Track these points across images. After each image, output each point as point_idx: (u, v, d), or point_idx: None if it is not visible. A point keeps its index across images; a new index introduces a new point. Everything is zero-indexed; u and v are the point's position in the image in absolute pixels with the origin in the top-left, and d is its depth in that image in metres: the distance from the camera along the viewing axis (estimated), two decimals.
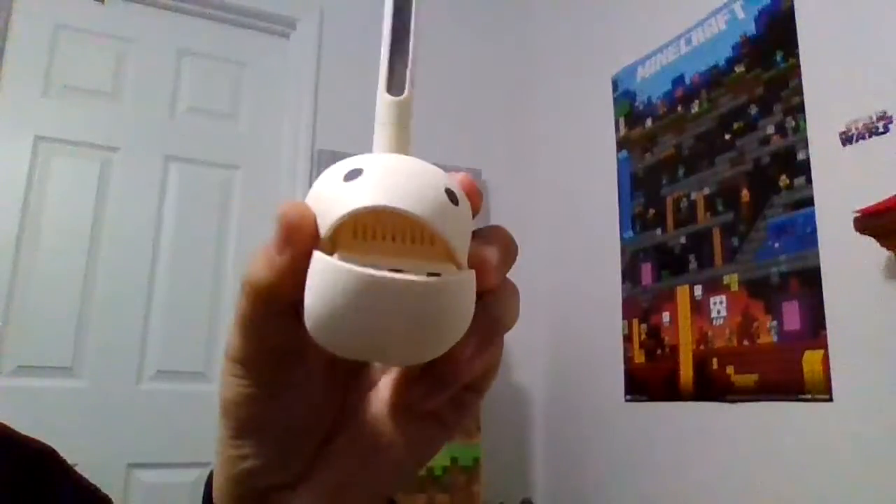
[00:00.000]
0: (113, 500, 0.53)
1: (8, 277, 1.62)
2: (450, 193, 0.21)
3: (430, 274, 0.20)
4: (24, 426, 0.52)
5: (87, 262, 1.71)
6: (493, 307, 0.24)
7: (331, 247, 0.21)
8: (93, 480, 0.53)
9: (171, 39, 1.91)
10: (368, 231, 0.21)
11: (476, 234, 0.23)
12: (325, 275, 0.20)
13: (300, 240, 0.21)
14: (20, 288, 1.63)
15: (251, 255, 0.22)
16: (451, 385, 0.24)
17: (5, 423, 0.52)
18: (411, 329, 0.21)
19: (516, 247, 0.24)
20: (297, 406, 0.25)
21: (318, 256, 0.21)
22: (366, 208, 0.20)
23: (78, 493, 0.52)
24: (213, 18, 1.96)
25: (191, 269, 1.79)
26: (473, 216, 0.23)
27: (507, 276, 0.25)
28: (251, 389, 0.24)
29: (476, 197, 0.23)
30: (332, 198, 0.21)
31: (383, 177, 0.21)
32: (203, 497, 0.28)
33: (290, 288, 0.21)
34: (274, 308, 0.22)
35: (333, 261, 0.20)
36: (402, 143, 0.24)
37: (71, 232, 1.71)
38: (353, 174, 0.21)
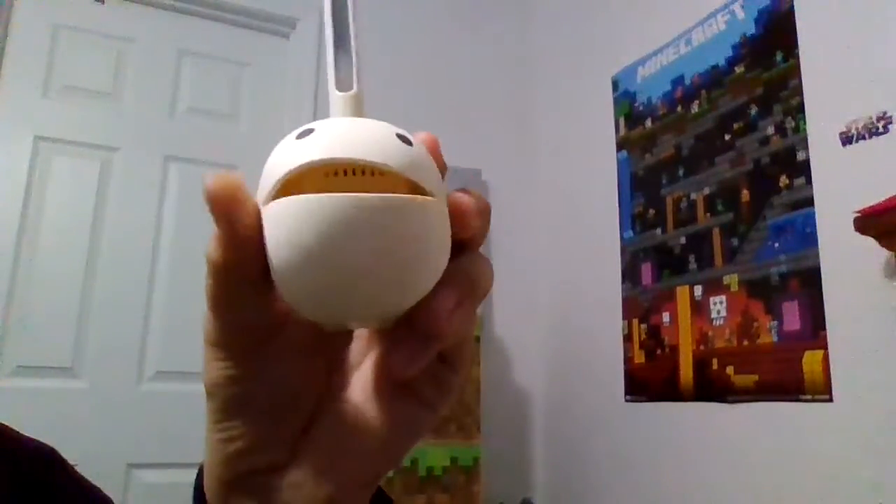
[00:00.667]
0: (113, 500, 0.53)
1: (8, 277, 1.62)
2: (401, 137, 0.22)
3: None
4: (24, 426, 0.52)
5: (87, 262, 1.71)
6: (471, 266, 0.24)
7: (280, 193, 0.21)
8: (93, 480, 0.54)
9: (171, 39, 1.91)
10: (321, 178, 0.21)
11: (450, 193, 0.24)
12: (281, 216, 0.20)
13: (231, 205, 0.21)
14: (20, 288, 1.63)
15: None
16: (432, 342, 0.24)
17: (5, 423, 0.52)
18: (385, 259, 0.20)
19: (489, 206, 0.25)
20: (279, 384, 0.25)
21: (268, 206, 0.21)
22: (313, 163, 0.20)
23: (79, 493, 0.52)
24: (213, 18, 1.96)
25: (191, 270, 1.79)
26: (441, 170, 0.24)
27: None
28: (231, 371, 0.24)
29: (435, 147, 0.24)
30: (284, 156, 0.21)
31: (333, 133, 0.21)
32: (194, 489, 0.28)
33: (244, 257, 0.22)
34: (236, 282, 0.22)
35: (286, 199, 0.20)
36: None
37: (71, 232, 1.71)
38: (304, 133, 0.21)
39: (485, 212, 0.24)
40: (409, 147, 0.21)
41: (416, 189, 0.21)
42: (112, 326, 1.70)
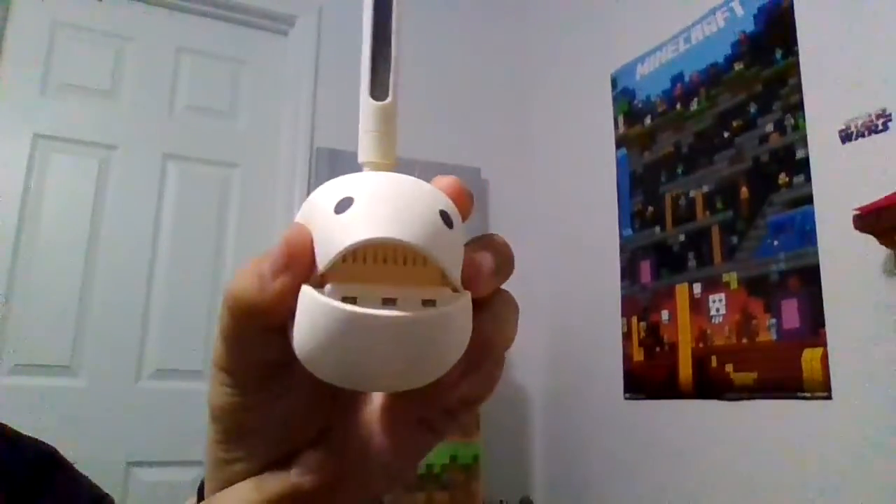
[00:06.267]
0: (114, 498, 0.53)
1: (6, 276, 1.62)
2: (444, 216, 0.21)
3: (425, 302, 0.20)
4: (23, 425, 0.52)
5: (85, 260, 1.70)
6: (484, 326, 0.23)
7: (321, 275, 0.20)
8: (91, 479, 0.53)
9: (170, 37, 1.90)
10: (359, 254, 0.20)
11: (470, 242, 0.22)
12: (311, 310, 0.20)
13: (298, 269, 0.21)
14: (18, 286, 1.63)
15: (239, 269, 0.22)
16: (438, 406, 0.24)
17: (4, 423, 0.52)
18: (402, 362, 0.20)
19: (512, 256, 0.23)
20: (286, 414, 0.24)
21: (305, 290, 0.20)
22: (358, 244, 0.19)
23: (80, 494, 0.51)
24: (212, 16, 1.95)
25: (189, 268, 1.79)
26: (464, 219, 0.22)
27: (505, 288, 0.24)
28: (238, 399, 0.23)
29: (467, 203, 0.23)
30: (324, 230, 0.20)
31: (375, 206, 0.20)
32: (197, 496, 0.28)
33: (278, 311, 0.21)
34: (259, 327, 0.22)
35: (320, 297, 0.20)
36: (388, 150, 0.23)
37: (69, 230, 1.71)
38: (343, 204, 0.20)
39: (505, 268, 0.23)
40: (451, 232, 0.21)
41: (443, 277, 0.21)
42: (110, 324, 1.69)
